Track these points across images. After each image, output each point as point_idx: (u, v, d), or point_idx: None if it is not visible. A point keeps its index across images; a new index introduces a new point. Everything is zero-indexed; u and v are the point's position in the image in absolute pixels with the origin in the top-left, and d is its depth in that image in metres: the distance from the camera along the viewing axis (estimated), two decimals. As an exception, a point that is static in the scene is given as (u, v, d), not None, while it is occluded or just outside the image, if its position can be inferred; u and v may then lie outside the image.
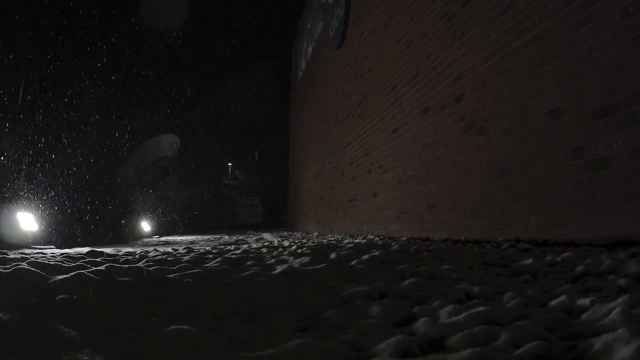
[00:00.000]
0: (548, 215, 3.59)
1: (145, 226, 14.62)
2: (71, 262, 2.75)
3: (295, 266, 2.67)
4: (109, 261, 3.00)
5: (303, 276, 2.37)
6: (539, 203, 3.69)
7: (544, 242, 3.54)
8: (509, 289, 1.79)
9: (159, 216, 16.93)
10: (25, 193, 8.45)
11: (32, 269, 1.86)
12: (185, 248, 5.70)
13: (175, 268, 2.60)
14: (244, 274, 2.39)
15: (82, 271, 1.87)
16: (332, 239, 7.68)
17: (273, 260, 3.21)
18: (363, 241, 5.91)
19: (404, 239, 5.86)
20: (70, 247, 7.03)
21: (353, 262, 2.87)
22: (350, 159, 9.31)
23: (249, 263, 3.01)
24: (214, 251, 4.73)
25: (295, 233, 13.79)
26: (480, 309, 1.38)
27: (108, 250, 4.95)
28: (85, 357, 0.99)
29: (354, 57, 9.25)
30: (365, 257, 3.04)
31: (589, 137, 3.16)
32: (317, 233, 11.81)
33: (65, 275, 1.76)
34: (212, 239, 10.81)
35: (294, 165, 19.27)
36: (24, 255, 3.30)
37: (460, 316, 1.35)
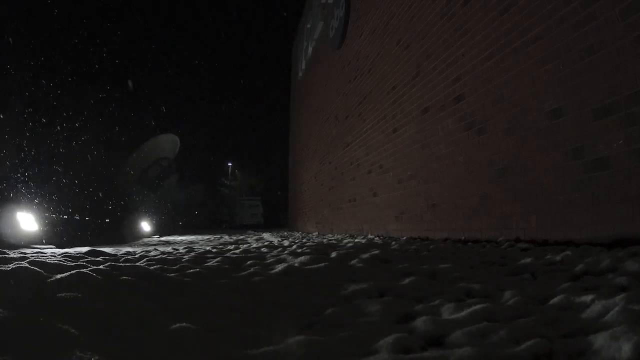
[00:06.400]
0: (548, 215, 3.59)
1: (145, 226, 14.61)
2: (71, 262, 2.75)
3: (296, 265, 2.68)
4: (109, 260, 3.00)
5: (303, 275, 2.37)
6: (539, 203, 3.69)
7: (544, 242, 3.54)
8: (509, 288, 1.80)
9: (159, 216, 16.92)
10: (25, 193, 8.45)
11: (33, 267, 1.87)
12: (185, 248, 5.70)
13: (175, 267, 2.60)
14: (244, 273, 2.39)
15: (83, 270, 1.87)
16: (332, 238, 7.68)
17: (273, 260, 3.21)
18: (363, 241, 5.91)
19: (404, 238, 5.86)
20: (70, 247, 7.02)
21: (353, 261, 2.87)
22: (350, 159, 9.31)
23: (249, 262, 3.01)
24: (214, 251, 4.73)
25: (295, 233, 13.79)
26: (481, 307, 1.38)
27: (108, 249, 4.95)
28: (86, 356, 0.99)
29: (354, 57, 9.25)
30: (365, 256, 3.04)
31: (589, 137, 3.16)
32: (317, 233, 11.81)
33: (65, 274, 1.76)
34: (212, 238, 10.81)
35: (294, 165, 19.26)
36: (24, 255, 3.30)
37: (461, 314, 1.36)
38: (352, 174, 9.10)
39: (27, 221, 7.99)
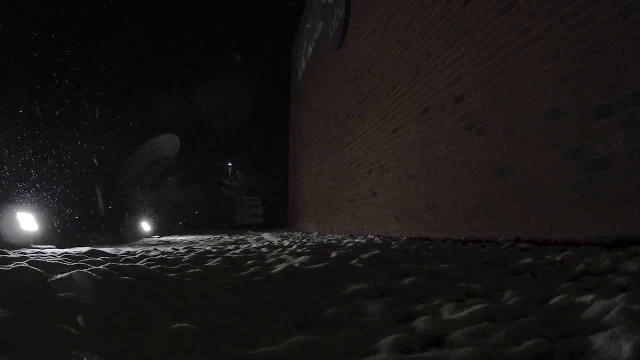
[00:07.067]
0: (548, 215, 3.59)
1: (145, 226, 14.61)
2: (71, 261, 2.75)
3: (296, 265, 2.68)
4: (109, 260, 3.00)
5: (303, 275, 2.37)
6: (539, 203, 3.69)
7: (544, 242, 3.54)
8: (509, 288, 1.80)
9: (159, 216, 16.92)
10: (25, 193, 8.45)
11: (33, 267, 1.87)
12: (185, 248, 5.70)
13: (175, 267, 2.60)
14: (244, 273, 2.39)
15: (83, 270, 1.87)
16: (332, 238, 7.68)
17: (273, 260, 3.21)
18: (363, 241, 5.91)
19: (404, 238, 5.86)
20: (70, 247, 7.03)
21: (353, 261, 2.87)
22: (350, 159, 9.31)
23: (249, 262, 3.01)
24: (214, 251, 4.73)
25: (295, 233, 13.79)
26: (481, 307, 1.38)
27: (108, 249, 4.95)
28: (86, 356, 0.99)
29: (354, 57, 9.25)
30: (365, 256, 3.04)
31: (589, 137, 3.16)
32: (317, 233, 11.81)
33: (65, 274, 1.76)
34: (212, 238, 10.81)
35: (294, 165, 19.27)
36: (24, 255, 3.30)
37: (461, 314, 1.36)
38: (352, 174, 9.10)
39: (27, 221, 7.99)
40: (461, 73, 4.88)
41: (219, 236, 12.40)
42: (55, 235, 8.62)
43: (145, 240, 11.79)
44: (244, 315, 1.53)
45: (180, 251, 4.83)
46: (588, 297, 1.44)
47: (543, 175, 3.64)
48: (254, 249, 4.73)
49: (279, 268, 2.53)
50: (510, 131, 4.05)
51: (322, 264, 2.60)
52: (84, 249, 4.93)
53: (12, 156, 8.55)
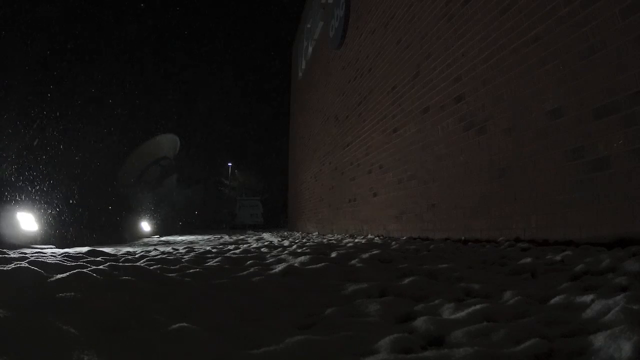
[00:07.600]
0: (548, 215, 3.59)
1: (145, 226, 14.61)
2: (71, 262, 2.75)
3: (296, 265, 2.67)
4: (109, 260, 3.00)
5: (303, 275, 2.37)
6: (539, 203, 3.69)
7: (543, 242, 3.54)
8: (509, 287, 1.80)
9: (159, 216, 16.92)
10: (25, 193, 8.45)
11: (33, 267, 1.87)
12: (185, 248, 5.70)
13: (175, 267, 2.60)
14: (244, 273, 2.39)
15: (83, 270, 1.87)
16: (332, 238, 7.68)
17: (273, 260, 3.21)
18: (363, 241, 5.91)
19: (404, 238, 5.86)
20: (70, 247, 7.02)
21: (353, 261, 2.87)
22: (350, 159, 9.32)
23: (249, 262, 3.01)
24: (214, 250, 4.73)
25: (295, 233, 13.79)
26: (481, 306, 1.38)
27: (108, 249, 4.95)
28: (86, 356, 0.99)
29: (354, 57, 9.25)
30: (365, 256, 3.04)
31: (589, 137, 3.16)
32: (317, 233, 11.82)
33: (65, 274, 1.76)
34: (212, 238, 10.81)
35: (294, 165, 19.27)
36: (24, 255, 3.30)
37: (461, 314, 1.36)
38: (352, 174, 9.10)
39: (27, 221, 7.99)
40: (461, 73, 4.88)
41: (219, 236, 12.40)
42: (55, 235, 8.62)
43: (145, 240, 11.79)
44: (244, 315, 1.53)
45: (180, 251, 4.83)
46: (588, 297, 1.44)
47: (543, 175, 3.64)
48: (254, 249, 4.73)
49: (279, 268, 2.53)
50: (510, 131, 4.05)
51: (322, 264, 2.60)
52: (84, 249, 4.92)
53: (12, 156, 8.55)
